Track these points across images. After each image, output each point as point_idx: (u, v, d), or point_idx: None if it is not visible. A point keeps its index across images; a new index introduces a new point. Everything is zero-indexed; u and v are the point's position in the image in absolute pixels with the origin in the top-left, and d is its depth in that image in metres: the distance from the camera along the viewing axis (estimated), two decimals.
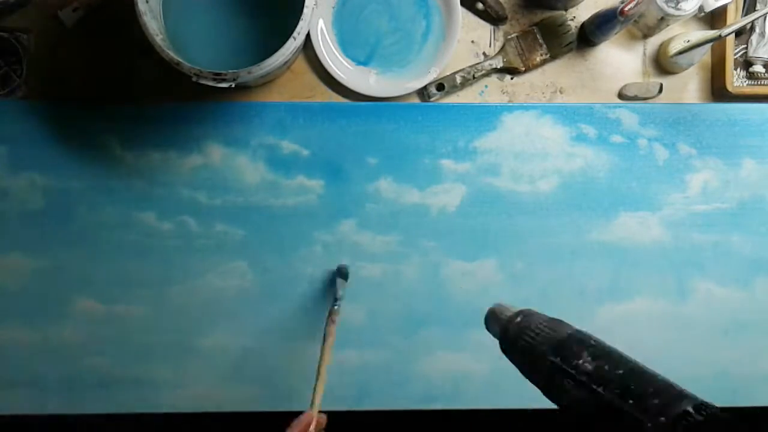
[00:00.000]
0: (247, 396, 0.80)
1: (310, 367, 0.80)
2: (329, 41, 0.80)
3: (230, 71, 0.66)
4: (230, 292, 0.80)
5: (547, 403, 0.83)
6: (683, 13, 0.74)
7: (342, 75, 0.80)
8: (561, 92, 0.83)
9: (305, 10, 0.67)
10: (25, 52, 0.80)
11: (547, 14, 0.82)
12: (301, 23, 0.67)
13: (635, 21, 0.80)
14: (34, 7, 0.80)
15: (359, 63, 0.81)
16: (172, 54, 0.66)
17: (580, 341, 0.48)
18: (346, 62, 0.80)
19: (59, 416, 0.80)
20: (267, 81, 0.80)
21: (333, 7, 0.80)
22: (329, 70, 0.79)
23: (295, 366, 0.80)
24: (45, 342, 0.79)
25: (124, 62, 0.80)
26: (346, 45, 0.80)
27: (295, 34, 0.67)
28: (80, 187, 0.79)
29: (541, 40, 0.81)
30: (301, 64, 0.81)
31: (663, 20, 0.77)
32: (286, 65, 0.77)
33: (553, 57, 0.82)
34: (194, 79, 0.66)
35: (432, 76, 0.79)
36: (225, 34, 0.78)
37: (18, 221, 0.79)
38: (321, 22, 0.79)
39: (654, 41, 0.83)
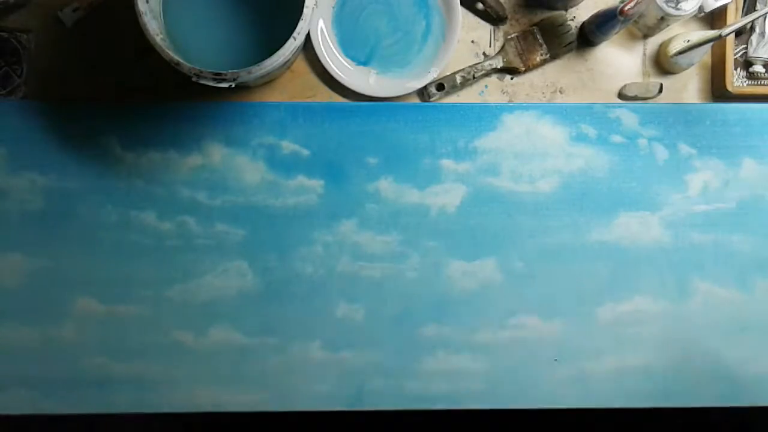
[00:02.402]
0: (246, 396, 0.80)
1: (310, 367, 0.80)
2: (329, 41, 0.80)
3: (230, 71, 0.66)
4: (230, 292, 0.80)
5: (545, 404, 0.84)
6: (683, 13, 0.75)
7: (342, 75, 0.80)
8: (561, 92, 0.83)
9: (305, 10, 0.67)
10: (25, 52, 0.79)
11: (547, 14, 0.82)
12: (301, 23, 0.67)
13: (635, 21, 0.80)
14: (34, 7, 0.80)
15: (359, 63, 0.81)
16: (172, 54, 0.66)
17: None
18: (346, 62, 0.80)
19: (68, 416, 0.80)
20: (267, 81, 0.80)
21: (333, 8, 0.80)
22: (329, 70, 0.79)
23: (295, 366, 0.80)
24: (45, 342, 0.79)
25: (124, 62, 0.80)
26: (346, 45, 0.80)
27: (295, 34, 0.67)
28: (80, 187, 0.79)
29: (541, 40, 0.81)
30: (301, 64, 0.81)
31: (663, 20, 0.77)
32: (286, 65, 0.77)
33: (553, 57, 0.82)
34: (194, 79, 0.66)
35: (432, 76, 0.79)
36: (225, 34, 0.78)
37: (18, 221, 0.79)
38: (321, 22, 0.79)
39: (654, 41, 0.83)
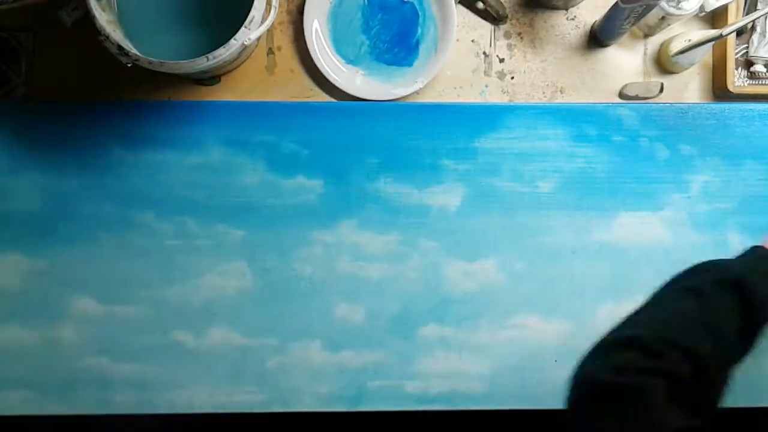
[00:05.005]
0: (246, 396, 0.80)
1: (310, 367, 0.80)
2: (322, 39, 0.80)
3: (132, 52, 0.67)
4: (230, 292, 0.80)
5: (545, 404, 0.83)
6: (684, 13, 0.74)
7: (336, 76, 0.79)
8: (562, 92, 0.83)
9: (232, 41, 0.66)
10: (25, 52, 0.79)
11: (548, 13, 0.82)
12: (228, 43, 0.66)
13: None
14: (33, 7, 0.79)
15: (348, 62, 0.81)
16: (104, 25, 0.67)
17: None
18: (336, 61, 0.80)
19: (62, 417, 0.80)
20: (224, 72, 0.79)
21: (330, 3, 0.80)
22: (323, 71, 0.79)
23: (295, 366, 0.80)
24: (44, 342, 0.79)
25: (123, 62, 0.80)
26: (339, 43, 0.80)
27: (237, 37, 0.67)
28: (79, 186, 0.79)
29: None
30: (298, 65, 0.81)
31: (664, 19, 0.77)
32: (236, 61, 0.76)
33: None
34: (101, 40, 0.68)
35: (419, 86, 0.79)
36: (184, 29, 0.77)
37: (17, 221, 0.79)
38: (315, 22, 0.79)
39: (655, 41, 0.83)
